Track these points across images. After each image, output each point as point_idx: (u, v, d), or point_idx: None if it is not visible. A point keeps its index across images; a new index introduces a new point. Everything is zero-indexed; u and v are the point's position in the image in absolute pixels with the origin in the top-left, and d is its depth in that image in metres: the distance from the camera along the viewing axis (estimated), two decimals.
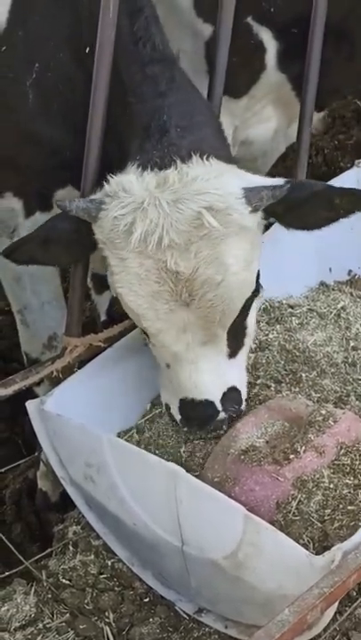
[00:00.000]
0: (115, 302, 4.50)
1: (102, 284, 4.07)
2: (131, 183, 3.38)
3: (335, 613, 3.30)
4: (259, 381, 3.97)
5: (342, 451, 3.53)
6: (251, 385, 3.99)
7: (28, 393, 4.00)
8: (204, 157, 3.40)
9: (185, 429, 3.72)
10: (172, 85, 3.57)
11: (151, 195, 3.34)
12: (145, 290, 3.40)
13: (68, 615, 3.64)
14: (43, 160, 3.86)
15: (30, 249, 3.57)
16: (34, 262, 3.65)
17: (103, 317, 4.48)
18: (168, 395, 3.71)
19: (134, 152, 3.48)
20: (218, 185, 3.37)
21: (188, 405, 3.62)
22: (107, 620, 3.64)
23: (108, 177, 3.43)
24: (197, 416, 3.64)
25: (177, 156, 3.39)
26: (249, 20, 4.40)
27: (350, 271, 4.68)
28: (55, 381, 3.89)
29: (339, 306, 4.33)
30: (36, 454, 4.28)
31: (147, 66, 3.59)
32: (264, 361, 4.05)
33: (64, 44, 3.73)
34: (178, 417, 3.68)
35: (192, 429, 3.71)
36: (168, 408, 3.73)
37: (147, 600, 3.72)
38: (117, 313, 4.56)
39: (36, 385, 4.00)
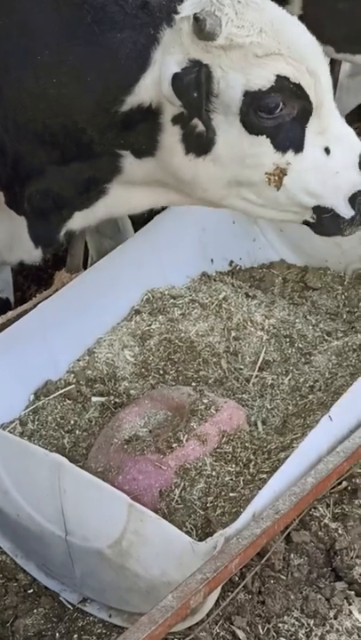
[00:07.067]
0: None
1: None
2: None
3: (218, 599, 3.34)
4: (142, 371, 4.02)
5: (224, 439, 3.58)
6: (139, 375, 4.03)
7: None
8: None
9: None
10: None
11: None
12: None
13: None
14: None
15: None
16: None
17: None
18: (337, 192, 3.47)
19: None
20: None
21: None
22: None
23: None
24: None
25: None
26: None
27: (232, 262, 4.73)
28: None
29: (220, 296, 4.38)
30: None
31: None
32: (147, 351, 4.09)
33: None
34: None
35: None
36: (335, 214, 3.48)
37: (31, 591, 3.70)
38: None
39: None
